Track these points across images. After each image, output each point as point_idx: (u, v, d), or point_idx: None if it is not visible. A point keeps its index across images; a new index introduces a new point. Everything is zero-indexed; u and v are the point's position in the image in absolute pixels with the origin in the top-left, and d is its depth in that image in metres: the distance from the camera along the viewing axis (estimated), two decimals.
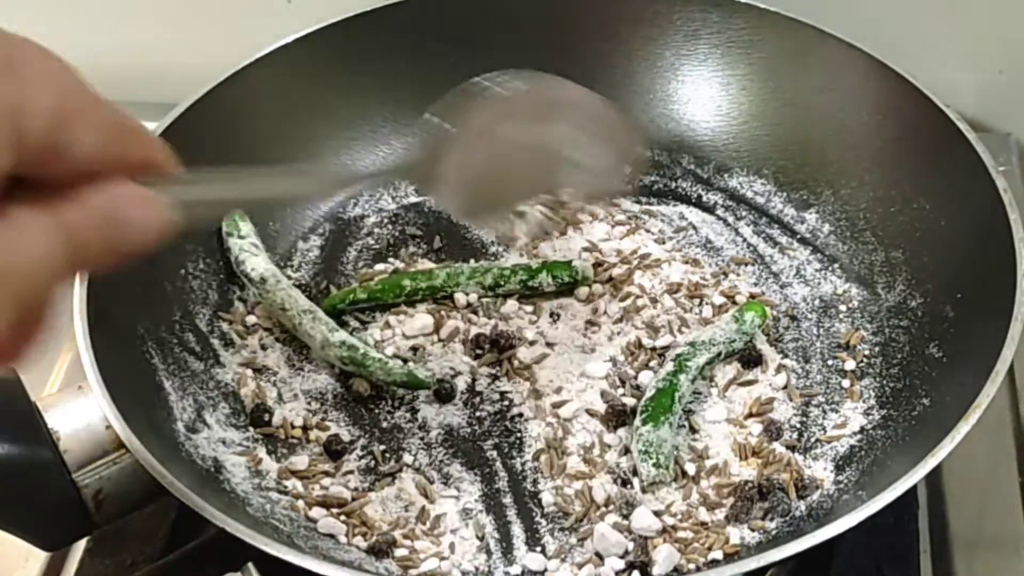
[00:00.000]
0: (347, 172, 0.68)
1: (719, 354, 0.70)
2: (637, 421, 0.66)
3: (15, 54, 0.37)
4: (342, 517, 0.65)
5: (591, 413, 0.69)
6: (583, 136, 0.64)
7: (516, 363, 0.72)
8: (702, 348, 0.69)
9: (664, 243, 0.80)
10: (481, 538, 0.64)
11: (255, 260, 0.74)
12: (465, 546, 0.64)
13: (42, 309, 0.38)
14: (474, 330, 0.74)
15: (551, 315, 0.75)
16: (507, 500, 0.66)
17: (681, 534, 0.63)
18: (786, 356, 0.72)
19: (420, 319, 0.74)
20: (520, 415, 0.70)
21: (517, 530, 0.64)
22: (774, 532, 0.63)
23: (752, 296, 0.75)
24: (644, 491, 0.64)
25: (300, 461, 0.67)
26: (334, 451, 0.68)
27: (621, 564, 0.62)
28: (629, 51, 0.84)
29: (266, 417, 0.70)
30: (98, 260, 0.40)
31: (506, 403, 0.70)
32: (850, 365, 0.71)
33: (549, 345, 0.73)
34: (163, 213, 0.40)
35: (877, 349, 0.72)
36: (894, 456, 0.65)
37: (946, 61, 0.90)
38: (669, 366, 0.68)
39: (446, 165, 0.60)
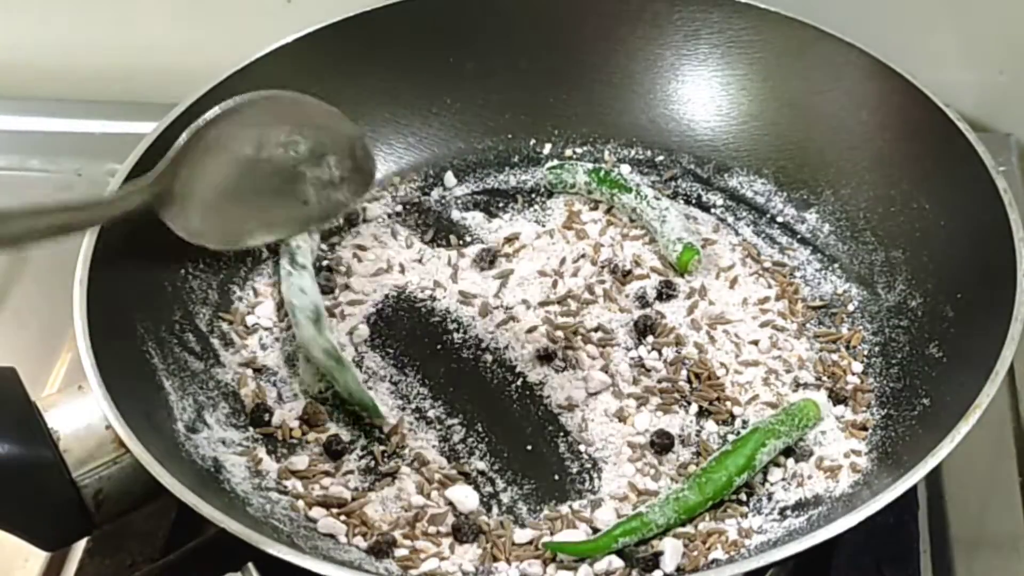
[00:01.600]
0: (97, 201, 0.67)
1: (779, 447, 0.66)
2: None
3: None
4: (342, 517, 0.65)
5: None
6: (322, 151, 0.69)
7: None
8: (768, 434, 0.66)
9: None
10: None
11: (306, 251, 0.75)
12: (466, 546, 0.64)
13: None
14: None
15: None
16: (506, 500, 0.66)
17: (683, 529, 0.63)
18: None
19: None
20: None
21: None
22: (774, 532, 0.63)
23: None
24: None
25: (300, 461, 0.67)
26: (334, 451, 0.68)
27: (621, 564, 0.62)
28: (629, 51, 0.84)
29: (266, 417, 0.70)
30: None
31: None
32: (856, 367, 0.71)
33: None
34: None
35: (877, 349, 0.72)
36: (894, 456, 0.65)
37: (946, 61, 0.90)
38: (748, 447, 0.65)
39: (180, 180, 0.64)
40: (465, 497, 0.65)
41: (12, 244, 0.60)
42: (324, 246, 0.80)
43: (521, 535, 0.64)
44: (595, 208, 0.82)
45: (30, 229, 0.58)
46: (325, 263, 0.79)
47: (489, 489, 0.67)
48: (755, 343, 0.73)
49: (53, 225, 0.61)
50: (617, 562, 0.62)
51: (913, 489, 0.60)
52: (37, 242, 0.60)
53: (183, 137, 0.66)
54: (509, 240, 0.80)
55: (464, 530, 0.64)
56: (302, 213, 0.70)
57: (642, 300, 0.75)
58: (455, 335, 0.75)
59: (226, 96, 0.76)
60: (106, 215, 0.66)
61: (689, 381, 0.71)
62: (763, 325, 0.74)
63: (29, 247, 0.60)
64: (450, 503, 0.66)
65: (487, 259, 0.79)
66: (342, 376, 0.68)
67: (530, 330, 0.74)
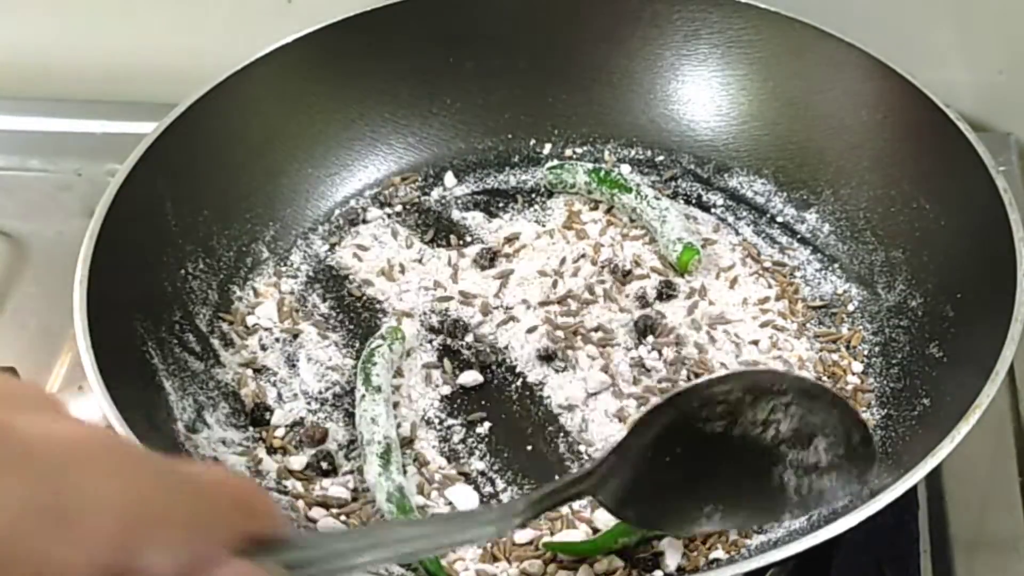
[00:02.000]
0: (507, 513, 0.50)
1: None
2: None
3: (67, 486, 0.31)
4: (342, 517, 0.65)
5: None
6: (810, 432, 0.55)
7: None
8: None
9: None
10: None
11: (383, 369, 0.70)
12: (466, 546, 0.64)
13: None
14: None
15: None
16: (506, 500, 0.66)
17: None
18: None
19: None
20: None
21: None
22: (774, 532, 0.63)
23: None
24: None
25: (299, 461, 0.67)
26: (324, 470, 0.67)
27: (621, 564, 0.62)
28: (629, 51, 0.84)
29: (266, 417, 0.70)
30: None
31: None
32: (856, 367, 0.71)
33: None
34: None
35: (877, 349, 0.72)
36: (894, 456, 0.65)
37: (946, 61, 0.90)
38: None
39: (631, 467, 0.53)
40: (465, 497, 0.65)
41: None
42: (324, 246, 0.80)
43: (521, 535, 0.64)
44: (595, 208, 0.82)
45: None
46: (325, 263, 0.79)
47: (489, 489, 0.67)
48: (755, 343, 0.73)
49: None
50: (617, 562, 0.62)
51: (913, 489, 0.60)
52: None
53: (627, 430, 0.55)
54: (509, 240, 0.80)
55: None
56: (775, 500, 0.56)
57: (642, 300, 0.75)
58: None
59: (226, 95, 0.76)
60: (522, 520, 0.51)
61: (689, 381, 0.71)
62: (763, 325, 0.74)
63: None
64: (450, 503, 0.66)
65: (487, 259, 0.78)
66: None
67: (530, 330, 0.74)
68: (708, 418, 0.54)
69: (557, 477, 0.67)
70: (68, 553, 0.30)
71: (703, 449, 0.54)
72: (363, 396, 0.68)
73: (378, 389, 0.68)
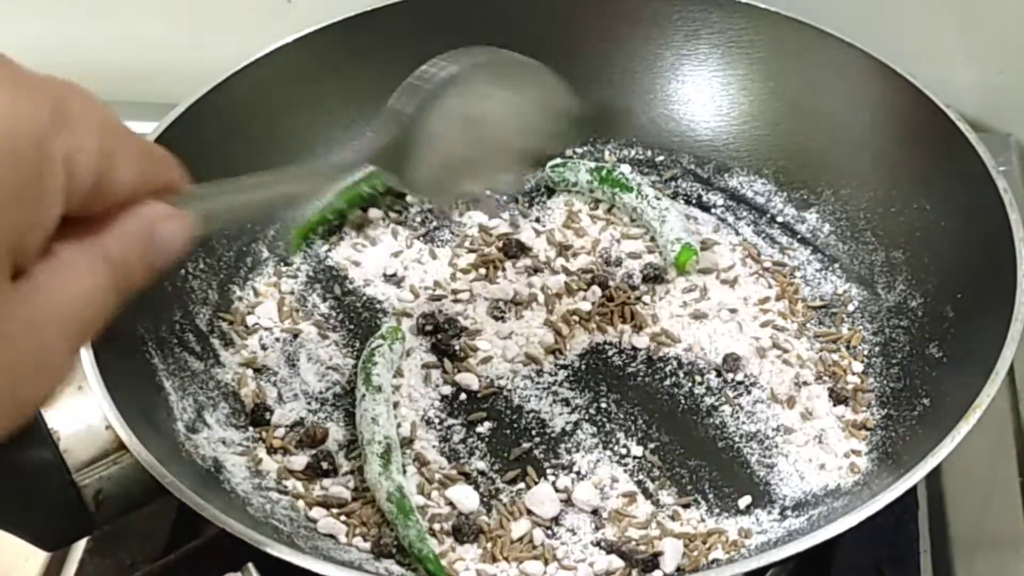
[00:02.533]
0: (330, 166, 0.70)
1: None
2: None
3: (65, 102, 0.40)
4: (342, 517, 0.65)
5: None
6: (527, 103, 0.67)
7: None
8: None
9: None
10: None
11: (383, 369, 0.70)
12: (466, 546, 0.64)
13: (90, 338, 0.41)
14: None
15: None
16: (506, 499, 0.66)
17: (683, 529, 0.63)
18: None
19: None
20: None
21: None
22: (774, 532, 0.63)
23: None
24: None
25: (299, 461, 0.67)
26: (323, 471, 0.67)
27: (621, 564, 0.62)
28: (629, 51, 0.84)
29: (266, 417, 0.70)
30: (140, 282, 0.43)
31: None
32: (856, 367, 0.71)
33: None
34: (189, 227, 0.44)
35: (877, 349, 0.72)
36: (894, 456, 0.65)
37: (946, 61, 0.90)
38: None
39: (409, 149, 0.61)
40: (465, 497, 0.65)
41: (233, 218, 0.59)
42: (324, 246, 0.80)
43: (517, 531, 0.64)
44: (595, 207, 0.82)
45: (252, 202, 0.56)
46: (325, 263, 0.79)
47: (489, 488, 0.67)
48: (756, 339, 0.73)
49: (277, 196, 0.59)
50: (617, 562, 0.62)
51: (913, 489, 0.60)
52: (256, 217, 0.62)
53: (413, 107, 0.62)
54: (509, 239, 0.80)
55: (464, 530, 0.64)
56: (508, 161, 0.68)
57: (629, 282, 0.76)
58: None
59: (226, 95, 0.76)
60: (337, 174, 0.67)
61: (676, 372, 0.71)
62: (763, 325, 0.74)
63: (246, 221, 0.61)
64: (451, 503, 0.66)
65: (487, 258, 0.78)
66: (405, 528, 0.62)
67: (531, 329, 0.74)
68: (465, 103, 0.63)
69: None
70: (80, 142, 0.39)
71: (461, 133, 0.63)
72: (363, 396, 0.68)
73: (379, 389, 0.68)
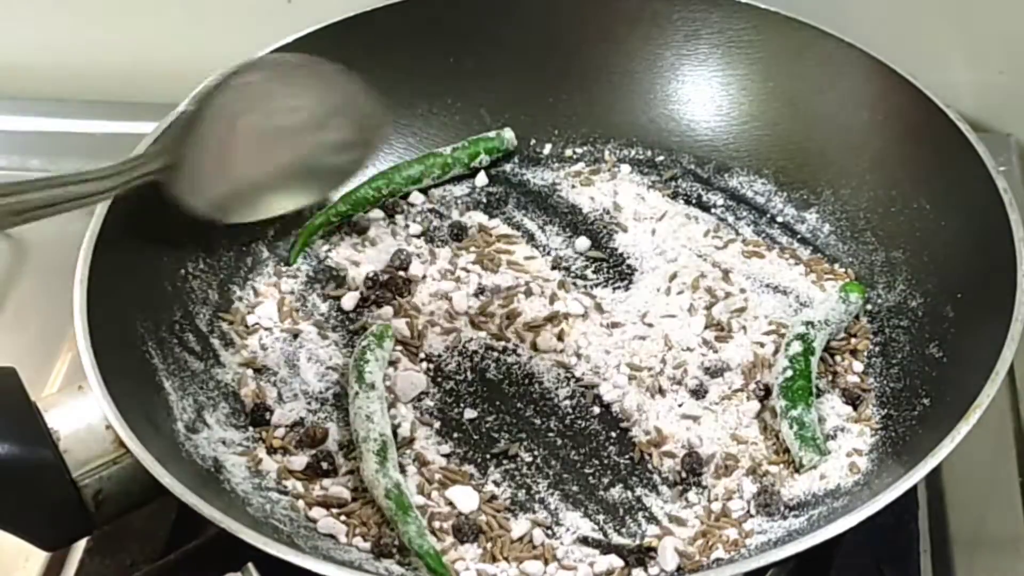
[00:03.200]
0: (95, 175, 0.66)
1: (833, 334, 0.71)
2: (782, 403, 0.66)
3: None
4: (342, 517, 0.65)
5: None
6: (329, 113, 0.66)
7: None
8: (821, 328, 0.70)
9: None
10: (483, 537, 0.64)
11: (376, 367, 0.70)
12: (466, 546, 0.64)
13: None
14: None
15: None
16: (505, 498, 0.66)
17: (682, 528, 0.63)
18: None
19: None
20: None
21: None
22: (774, 532, 0.63)
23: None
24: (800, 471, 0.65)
25: (299, 461, 0.67)
26: (323, 471, 0.67)
27: (620, 563, 0.62)
28: (629, 51, 0.84)
29: (266, 417, 0.70)
30: None
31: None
32: (857, 367, 0.71)
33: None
34: None
35: (877, 349, 0.72)
36: (894, 456, 0.65)
37: (946, 61, 0.90)
38: (796, 347, 0.68)
39: (188, 149, 0.62)
40: (466, 497, 0.65)
41: (22, 217, 0.59)
42: (325, 246, 0.80)
43: (517, 528, 0.64)
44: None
45: (41, 201, 0.57)
46: (325, 263, 0.79)
47: (490, 489, 0.67)
48: (760, 344, 0.73)
49: (64, 196, 0.60)
50: (617, 562, 0.62)
51: (913, 489, 0.60)
52: (47, 215, 0.59)
53: (187, 105, 0.65)
54: (509, 239, 0.80)
55: (464, 530, 0.64)
56: (316, 179, 0.69)
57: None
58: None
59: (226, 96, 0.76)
60: (116, 184, 0.64)
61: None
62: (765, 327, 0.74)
63: (38, 219, 0.59)
64: (450, 503, 0.66)
65: (487, 258, 0.78)
66: (404, 524, 0.62)
67: (532, 329, 0.74)
68: (246, 105, 0.64)
69: (555, 473, 0.67)
70: None
71: (248, 138, 0.64)
72: (356, 394, 0.68)
73: (371, 386, 0.68)
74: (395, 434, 0.68)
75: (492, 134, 0.84)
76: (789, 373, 0.67)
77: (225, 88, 0.64)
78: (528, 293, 0.76)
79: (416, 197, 0.83)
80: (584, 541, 0.64)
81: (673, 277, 0.77)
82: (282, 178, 0.67)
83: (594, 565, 0.62)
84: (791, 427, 0.66)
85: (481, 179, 0.84)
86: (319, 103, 0.66)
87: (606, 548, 0.63)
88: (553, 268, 0.78)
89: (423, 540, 0.61)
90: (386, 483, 0.63)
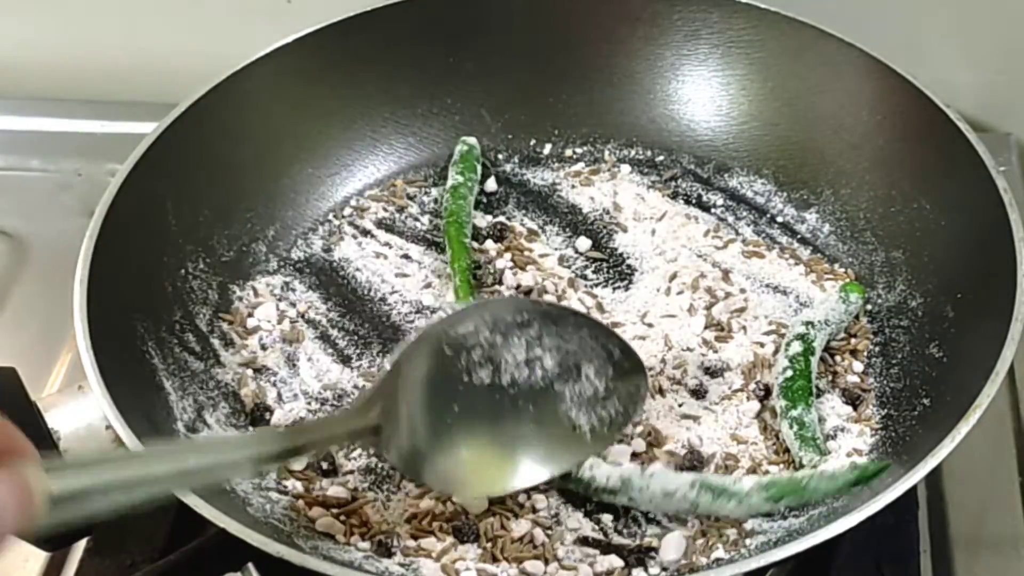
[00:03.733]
0: (280, 441, 0.55)
1: (833, 334, 0.71)
2: (782, 403, 0.66)
3: None
4: (342, 517, 0.65)
5: None
6: (575, 361, 0.57)
7: None
8: (821, 328, 0.70)
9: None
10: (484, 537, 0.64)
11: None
12: (467, 545, 0.64)
13: None
14: None
15: None
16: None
17: (685, 532, 0.63)
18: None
19: None
20: None
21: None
22: (774, 532, 0.63)
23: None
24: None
25: (299, 461, 0.67)
26: (325, 471, 0.67)
27: (620, 563, 0.62)
28: (629, 51, 0.84)
29: (266, 417, 0.70)
30: None
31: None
32: (857, 367, 0.71)
33: None
34: (33, 501, 0.36)
35: (877, 349, 0.72)
36: (894, 456, 0.65)
37: (946, 61, 0.90)
38: (796, 347, 0.68)
39: (392, 418, 0.53)
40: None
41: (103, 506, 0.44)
42: (325, 246, 0.80)
43: (517, 528, 0.64)
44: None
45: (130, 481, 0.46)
46: (326, 263, 0.79)
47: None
48: (760, 344, 0.73)
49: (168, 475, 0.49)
50: (616, 562, 0.62)
51: (913, 489, 0.60)
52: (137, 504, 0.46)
53: (386, 369, 0.56)
54: (508, 239, 0.80)
55: (464, 530, 0.64)
56: (573, 442, 0.58)
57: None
58: None
59: (226, 95, 0.76)
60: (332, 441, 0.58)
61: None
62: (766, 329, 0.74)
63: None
64: (450, 502, 0.65)
65: (487, 258, 0.79)
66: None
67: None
68: (469, 368, 0.55)
69: None
70: None
71: (481, 404, 0.55)
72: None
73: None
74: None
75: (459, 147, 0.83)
76: (789, 373, 0.68)
77: (423, 345, 0.55)
78: (543, 292, 0.76)
79: (414, 195, 0.83)
80: (584, 541, 0.64)
81: (673, 277, 0.77)
82: (530, 445, 0.57)
83: (594, 565, 0.62)
84: (791, 427, 0.66)
85: (491, 184, 0.84)
86: (558, 350, 0.56)
87: (606, 548, 0.63)
88: (561, 265, 0.79)
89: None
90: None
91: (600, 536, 0.64)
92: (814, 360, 0.68)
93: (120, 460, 0.44)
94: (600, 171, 0.85)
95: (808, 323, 0.70)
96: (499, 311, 0.57)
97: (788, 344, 0.69)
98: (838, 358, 0.72)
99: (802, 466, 0.65)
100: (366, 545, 0.63)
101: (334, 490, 0.66)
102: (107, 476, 0.42)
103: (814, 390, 0.68)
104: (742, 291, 0.76)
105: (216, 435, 0.56)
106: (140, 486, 0.44)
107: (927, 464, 0.57)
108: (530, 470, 0.59)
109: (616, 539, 0.64)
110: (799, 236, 0.80)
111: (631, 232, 0.80)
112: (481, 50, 0.85)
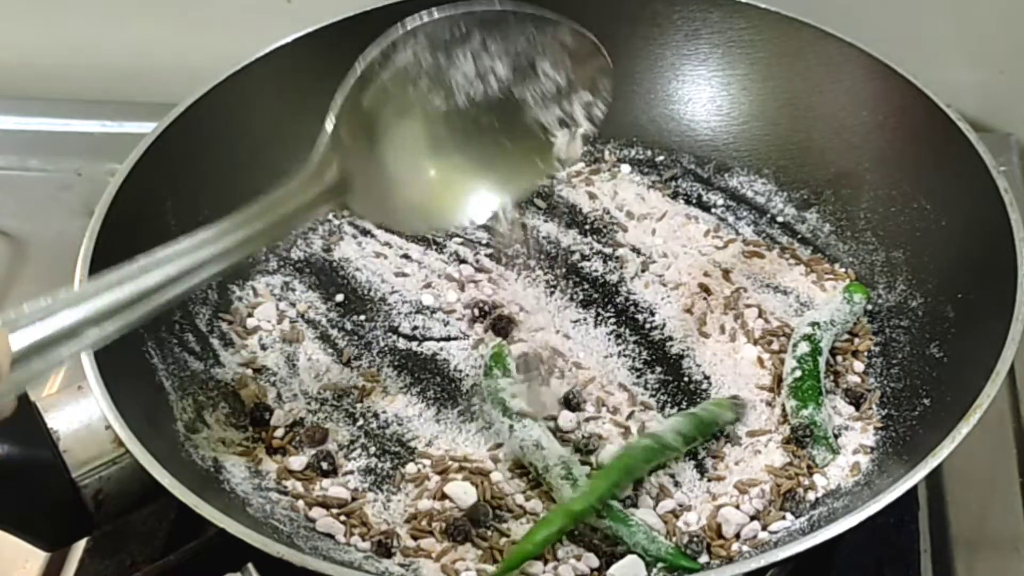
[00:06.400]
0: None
1: (837, 334, 0.71)
2: (792, 403, 0.67)
3: None
4: (342, 517, 0.65)
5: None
6: (528, 60, 0.53)
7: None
8: (827, 328, 0.70)
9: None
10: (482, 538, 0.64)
11: (510, 393, 0.67)
12: (467, 545, 0.64)
13: None
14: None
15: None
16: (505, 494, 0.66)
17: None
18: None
19: None
20: None
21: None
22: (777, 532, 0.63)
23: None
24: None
25: (299, 461, 0.67)
26: (324, 470, 0.67)
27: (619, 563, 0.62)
28: (629, 51, 0.84)
29: (266, 417, 0.70)
30: None
31: None
32: (857, 367, 0.71)
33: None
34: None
35: (877, 349, 0.72)
36: (894, 456, 0.65)
37: (946, 61, 0.90)
38: (804, 347, 0.69)
39: (354, 159, 0.51)
40: (464, 493, 0.65)
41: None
42: (324, 246, 0.80)
43: (518, 531, 0.64)
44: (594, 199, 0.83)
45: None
46: (326, 263, 0.79)
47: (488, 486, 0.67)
48: (756, 344, 0.73)
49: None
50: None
51: (913, 489, 0.60)
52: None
53: (331, 119, 0.54)
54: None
55: (464, 530, 0.63)
56: (546, 147, 0.54)
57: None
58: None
59: (226, 95, 0.76)
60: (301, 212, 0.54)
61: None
62: (764, 332, 0.74)
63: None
64: (449, 501, 0.65)
65: (487, 259, 0.79)
66: (631, 537, 0.60)
67: (532, 328, 0.74)
68: (419, 100, 0.51)
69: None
70: None
71: (443, 133, 0.51)
72: (511, 427, 0.65)
73: (523, 414, 0.66)
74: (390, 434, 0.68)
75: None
76: (798, 374, 0.68)
77: (377, 75, 0.52)
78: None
79: None
80: (584, 542, 0.64)
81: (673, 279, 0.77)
82: (500, 163, 0.54)
83: (593, 565, 0.62)
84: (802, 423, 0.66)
85: None
86: (508, 53, 0.52)
87: (604, 551, 0.63)
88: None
89: (656, 544, 0.60)
90: (583, 504, 0.61)
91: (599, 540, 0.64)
92: (821, 360, 0.68)
93: (73, 299, 0.44)
94: (600, 171, 0.85)
95: (814, 323, 0.70)
96: (433, 31, 0.53)
97: (795, 345, 0.69)
98: (839, 358, 0.72)
99: (814, 465, 0.65)
100: (366, 545, 0.63)
101: (334, 490, 0.66)
102: (68, 318, 0.43)
103: (823, 389, 0.68)
104: (743, 291, 0.75)
105: (172, 249, 0.52)
106: (97, 323, 0.46)
107: (927, 464, 0.57)
108: (514, 187, 0.56)
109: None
110: (799, 236, 0.80)
111: (631, 232, 0.80)
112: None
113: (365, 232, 0.81)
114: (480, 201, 0.56)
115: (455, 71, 0.53)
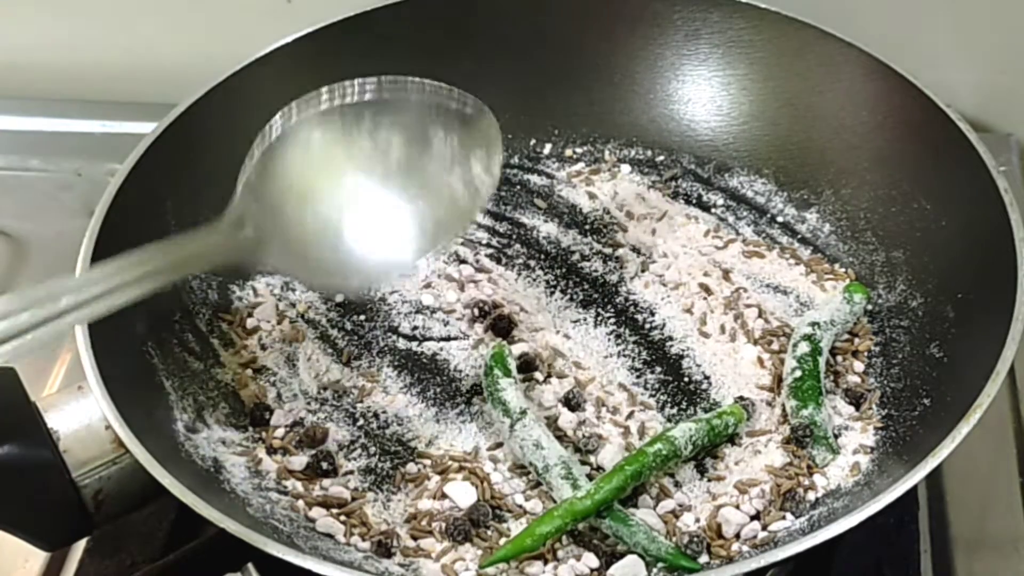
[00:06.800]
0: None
1: (838, 334, 0.71)
2: (792, 403, 0.67)
3: None
4: (342, 517, 0.65)
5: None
6: (423, 128, 0.56)
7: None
8: (827, 328, 0.70)
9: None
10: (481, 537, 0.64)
11: (513, 392, 0.67)
12: (466, 545, 0.64)
13: None
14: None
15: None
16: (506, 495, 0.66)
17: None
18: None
19: None
20: None
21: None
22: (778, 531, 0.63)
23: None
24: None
25: (299, 461, 0.67)
26: (323, 471, 0.67)
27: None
28: (629, 51, 0.84)
29: (266, 417, 0.70)
30: None
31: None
32: (857, 367, 0.71)
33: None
34: None
35: (877, 349, 0.72)
36: (894, 456, 0.65)
37: (946, 61, 0.90)
38: (804, 347, 0.69)
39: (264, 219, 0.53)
40: (464, 493, 0.65)
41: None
42: None
43: (517, 528, 0.64)
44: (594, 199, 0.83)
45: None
46: None
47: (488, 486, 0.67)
48: (757, 345, 0.73)
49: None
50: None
51: (913, 489, 0.60)
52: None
53: (248, 172, 0.56)
54: (509, 239, 0.80)
55: (463, 530, 0.63)
56: (455, 207, 0.57)
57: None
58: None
59: (226, 95, 0.76)
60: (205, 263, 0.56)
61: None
62: (763, 333, 0.74)
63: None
64: (449, 500, 0.65)
65: (487, 259, 0.79)
66: (631, 536, 0.61)
67: (532, 328, 0.74)
68: (325, 167, 0.54)
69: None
70: None
71: (358, 200, 0.54)
72: (511, 425, 0.66)
73: (523, 412, 0.66)
74: (390, 435, 0.68)
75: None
76: (798, 374, 0.68)
77: (282, 145, 0.55)
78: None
79: None
80: (583, 542, 0.64)
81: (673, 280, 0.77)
82: (415, 223, 0.57)
83: (593, 564, 0.62)
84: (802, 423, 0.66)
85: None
86: (406, 122, 0.57)
87: (604, 551, 0.63)
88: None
89: (656, 544, 0.60)
90: (586, 505, 0.61)
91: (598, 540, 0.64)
92: (822, 360, 0.68)
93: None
94: (600, 171, 0.85)
95: (814, 323, 0.70)
96: (323, 120, 0.56)
97: (795, 345, 0.69)
98: (839, 358, 0.72)
99: (814, 465, 0.65)
100: (366, 545, 0.63)
101: (334, 490, 0.66)
102: None
103: (824, 389, 0.68)
104: (743, 291, 0.75)
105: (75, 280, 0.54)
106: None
107: (927, 464, 0.57)
108: (428, 243, 0.58)
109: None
110: (799, 236, 0.80)
111: (631, 232, 0.80)
112: (481, 50, 0.85)
113: None
114: (396, 260, 0.60)
115: (353, 147, 0.57)
